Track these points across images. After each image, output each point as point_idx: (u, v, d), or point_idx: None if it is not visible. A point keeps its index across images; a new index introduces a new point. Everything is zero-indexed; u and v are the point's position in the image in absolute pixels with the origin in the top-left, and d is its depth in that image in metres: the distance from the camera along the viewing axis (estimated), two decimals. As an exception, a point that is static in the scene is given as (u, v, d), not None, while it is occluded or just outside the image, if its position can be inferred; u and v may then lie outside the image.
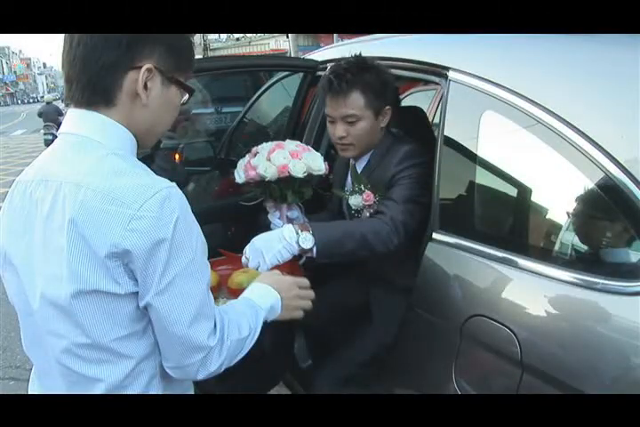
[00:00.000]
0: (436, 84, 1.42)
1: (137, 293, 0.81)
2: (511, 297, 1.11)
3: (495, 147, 1.24)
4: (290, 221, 1.61)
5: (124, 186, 0.78)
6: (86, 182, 0.79)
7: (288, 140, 1.70)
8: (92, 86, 0.83)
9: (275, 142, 1.66)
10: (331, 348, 1.70)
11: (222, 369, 0.90)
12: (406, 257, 1.43)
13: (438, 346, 1.27)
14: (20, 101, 70.63)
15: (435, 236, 1.30)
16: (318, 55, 2.13)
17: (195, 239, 0.82)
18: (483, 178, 1.26)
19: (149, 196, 0.77)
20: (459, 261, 1.23)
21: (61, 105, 13.26)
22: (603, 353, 0.93)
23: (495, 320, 1.09)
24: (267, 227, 1.60)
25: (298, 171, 1.56)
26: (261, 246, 1.38)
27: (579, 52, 1.20)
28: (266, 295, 1.05)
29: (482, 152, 1.24)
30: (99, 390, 0.84)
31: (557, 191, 1.11)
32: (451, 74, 1.32)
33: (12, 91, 74.73)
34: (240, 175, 1.65)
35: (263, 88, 2.71)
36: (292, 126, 2.26)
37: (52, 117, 11.10)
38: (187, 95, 0.93)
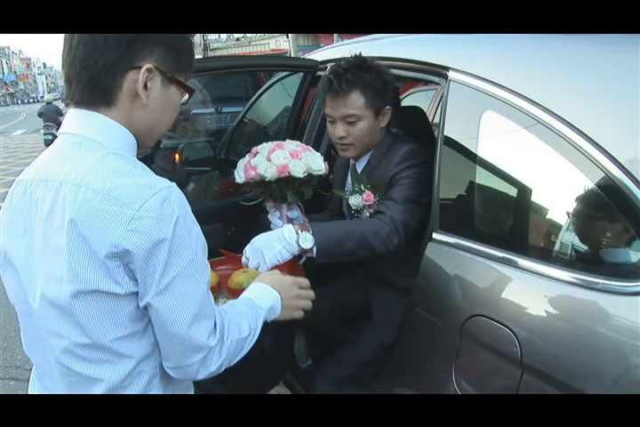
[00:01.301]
0: (436, 84, 1.42)
1: (137, 293, 0.81)
2: (511, 297, 1.11)
3: (495, 147, 1.24)
4: (290, 221, 1.61)
5: (124, 186, 0.78)
6: (86, 182, 0.79)
7: (288, 140, 1.70)
8: (91, 86, 0.83)
9: (275, 142, 1.65)
10: (331, 348, 1.69)
11: (222, 369, 0.90)
12: (406, 257, 1.43)
13: (438, 346, 1.27)
14: (20, 101, 70.62)
15: (435, 236, 1.30)
16: (318, 55, 2.13)
17: (195, 239, 0.82)
18: (483, 178, 1.26)
19: (149, 196, 0.77)
20: (459, 261, 1.23)
21: (61, 105, 13.27)
22: (603, 353, 0.93)
23: (495, 320, 1.09)
24: (267, 227, 1.60)
25: (298, 171, 1.55)
26: (261, 246, 1.38)
27: (579, 52, 1.20)
28: (266, 295, 1.05)
29: (482, 152, 1.24)
30: (99, 390, 0.84)
31: (557, 191, 1.10)
32: (451, 74, 1.32)
33: (12, 91, 74.73)
34: (240, 175, 1.64)
35: (263, 88, 2.71)
36: (292, 126, 2.25)
37: (52, 117, 11.10)
38: (187, 95, 0.93)
